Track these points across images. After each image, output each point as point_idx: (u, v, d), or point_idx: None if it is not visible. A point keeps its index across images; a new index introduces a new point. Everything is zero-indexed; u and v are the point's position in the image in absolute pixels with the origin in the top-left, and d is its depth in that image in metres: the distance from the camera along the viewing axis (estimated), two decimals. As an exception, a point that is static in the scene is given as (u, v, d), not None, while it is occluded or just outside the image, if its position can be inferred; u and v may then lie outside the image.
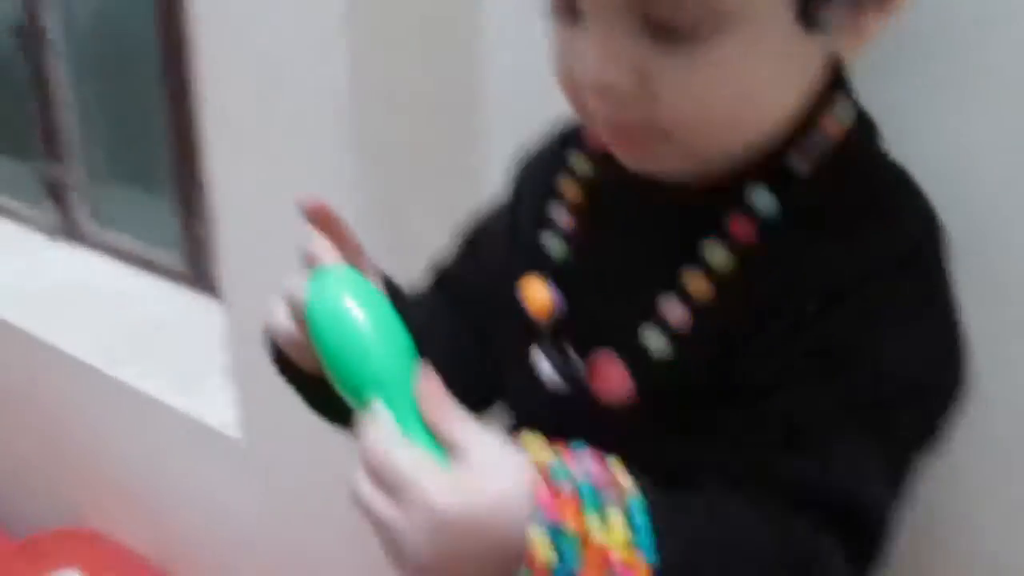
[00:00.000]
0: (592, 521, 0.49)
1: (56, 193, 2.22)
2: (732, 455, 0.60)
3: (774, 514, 0.55)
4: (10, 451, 2.18)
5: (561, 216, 0.73)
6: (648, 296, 0.65)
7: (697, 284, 0.62)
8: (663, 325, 0.63)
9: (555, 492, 0.49)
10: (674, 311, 0.63)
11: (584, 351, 0.68)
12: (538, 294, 0.71)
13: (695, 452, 0.64)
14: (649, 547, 0.49)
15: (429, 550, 0.49)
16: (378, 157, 1.20)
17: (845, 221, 0.60)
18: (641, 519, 0.50)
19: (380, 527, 0.51)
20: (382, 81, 1.15)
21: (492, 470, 0.50)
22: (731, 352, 0.61)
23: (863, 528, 0.57)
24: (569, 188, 0.73)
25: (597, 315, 0.69)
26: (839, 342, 0.58)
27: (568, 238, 0.72)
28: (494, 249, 0.82)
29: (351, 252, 0.65)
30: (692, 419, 0.63)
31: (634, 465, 0.55)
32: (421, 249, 0.91)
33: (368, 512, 0.52)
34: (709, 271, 0.62)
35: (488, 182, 0.85)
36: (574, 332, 0.70)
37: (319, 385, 0.71)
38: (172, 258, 2.04)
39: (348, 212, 0.67)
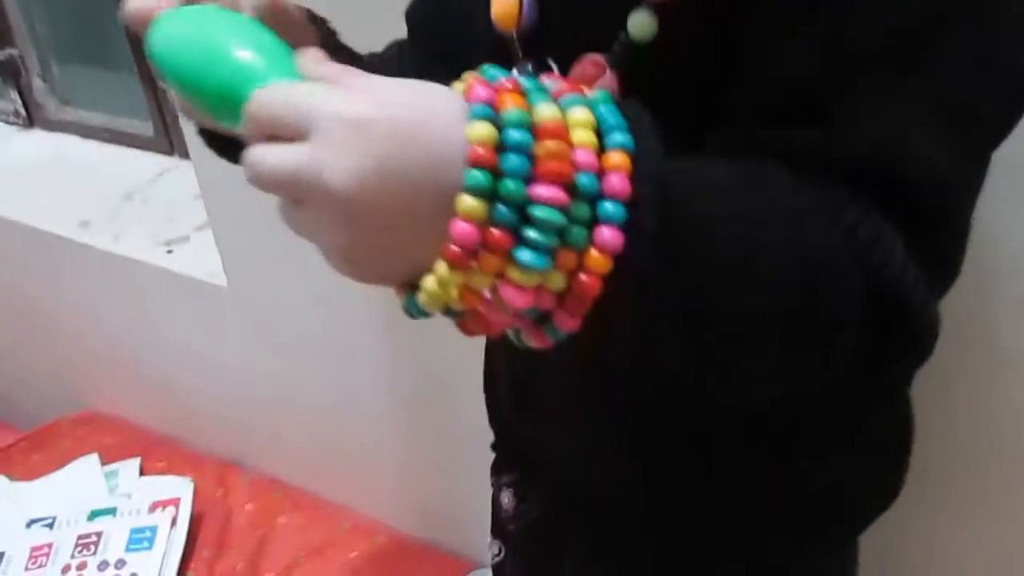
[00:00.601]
0: (542, 106, 0.39)
1: (14, 78, 2.11)
2: (735, 145, 0.50)
3: (809, 183, 0.44)
4: (4, 346, 2.13)
5: None
6: None
7: None
8: (647, 3, 0.53)
9: (489, 84, 0.39)
10: None
11: (565, 60, 0.58)
12: (503, 2, 0.61)
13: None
14: (626, 136, 0.38)
15: (351, 173, 0.37)
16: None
17: None
18: (614, 117, 0.39)
19: (290, 182, 0.39)
20: None
21: (406, 85, 0.40)
22: (723, 12, 0.50)
23: (923, 209, 0.45)
24: None
25: (573, 15, 0.59)
26: None
27: None
28: None
29: None
30: (687, 116, 0.52)
31: None
32: None
33: (272, 174, 0.40)
34: None
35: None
36: (551, 42, 0.60)
37: None
38: (142, 126, 1.95)
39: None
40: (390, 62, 0.77)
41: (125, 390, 1.93)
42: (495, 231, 0.37)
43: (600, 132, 0.39)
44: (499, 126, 0.38)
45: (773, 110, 0.48)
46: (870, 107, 0.45)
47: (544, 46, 0.60)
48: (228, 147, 0.64)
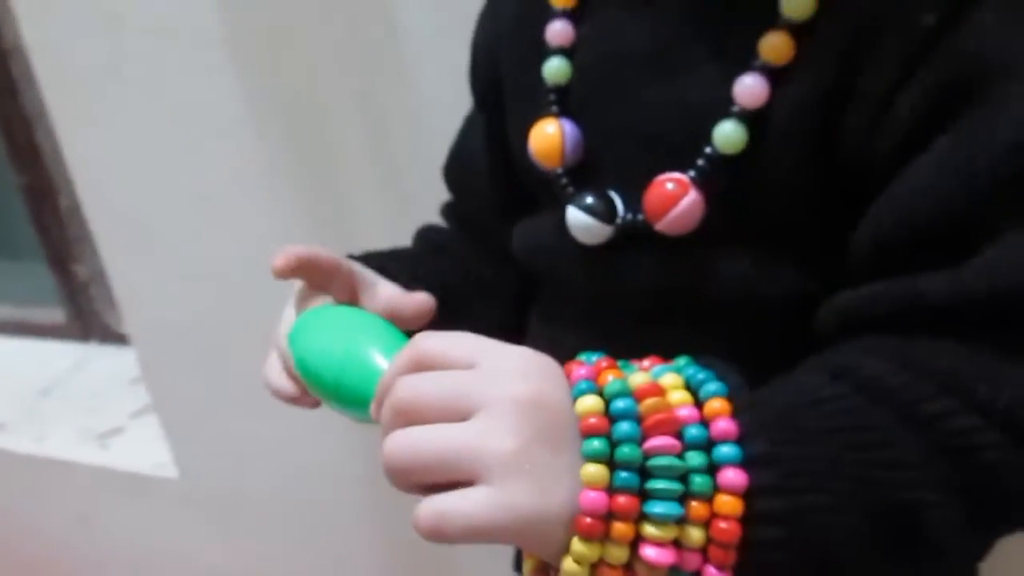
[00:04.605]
0: (636, 375, 0.42)
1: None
2: (835, 280, 0.49)
3: (925, 349, 0.44)
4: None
5: (553, 31, 0.58)
6: (692, 86, 0.52)
7: (773, 42, 0.48)
8: (727, 111, 0.49)
9: (586, 364, 0.43)
10: (743, 86, 0.49)
11: (628, 188, 0.55)
12: (541, 136, 0.57)
13: (783, 286, 0.52)
14: (718, 384, 0.41)
15: (520, 430, 0.39)
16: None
17: None
18: (700, 372, 0.42)
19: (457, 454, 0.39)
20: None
21: (526, 360, 0.43)
22: (825, 124, 0.48)
23: None
24: None
25: (630, 135, 0.55)
26: (975, 66, 0.43)
27: (566, 51, 0.58)
28: (484, 154, 0.70)
29: (327, 276, 0.58)
30: (777, 238, 0.51)
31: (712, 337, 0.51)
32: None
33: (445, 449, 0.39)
34: (785, 22, 0.48)
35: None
36: (608, 169, 0.56)
37: None
38: (51, 314, 1.81)
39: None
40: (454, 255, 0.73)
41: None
42: (621, 497, 0.38)
43: (691, 388, 0.41)
44: (603, 397, 0.40)
45: (895, 247, 0.46)
46: (995, 248, 0.43)
47: (591, 177, 0.56)
48: None
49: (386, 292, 0.59)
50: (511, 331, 0.68)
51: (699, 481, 0.38)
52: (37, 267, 1.75)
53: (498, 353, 0.42)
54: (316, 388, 0.53)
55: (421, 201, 0.78)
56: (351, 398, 0.49)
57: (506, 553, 0.78)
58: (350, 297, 0.59)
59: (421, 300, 0.59)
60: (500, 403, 0.39)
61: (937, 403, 0.41)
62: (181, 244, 1.19)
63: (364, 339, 0.51)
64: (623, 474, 0.38)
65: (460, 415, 0.39)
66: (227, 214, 1.12)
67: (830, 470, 0.40)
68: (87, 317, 1.77)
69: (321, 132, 1.01)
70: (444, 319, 0.62)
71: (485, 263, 0.71)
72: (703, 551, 0.38)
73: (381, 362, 0.48)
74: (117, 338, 1.74)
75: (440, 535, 0.38)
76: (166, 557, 1.54)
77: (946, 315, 0.43)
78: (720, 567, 0.38)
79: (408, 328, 0.55)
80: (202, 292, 1.21)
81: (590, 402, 0.39)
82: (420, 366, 0.42)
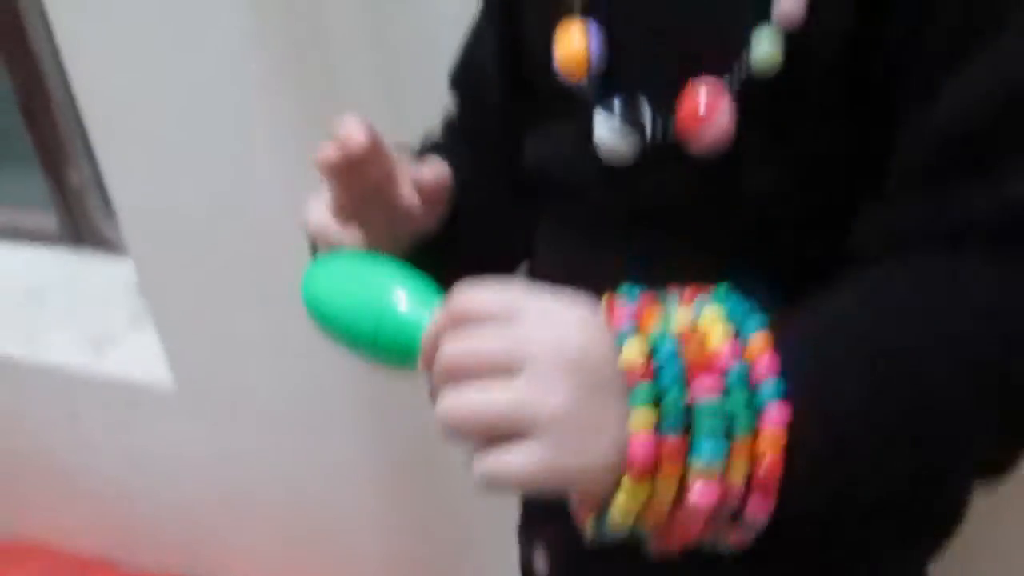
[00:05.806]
0: (679, 314, 0.43)
1: None
2: (870, 202, 0.48)
3: (957, 265, 0.43)
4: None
5: None
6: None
7: None
8: (763, 20, 0.47)
9: (626, 304, 0.44)
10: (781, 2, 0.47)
11: (655, 95, 0.52)
12: (567, 43, 0.54)
13: (812, 206, 0.50)
14: (754, 320, 0.41)
15: (566, 386, 0.40)
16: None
17: None
18: (740, 304, 0.43)
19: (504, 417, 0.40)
20: None
21: (566, 311, 0.43)
22: (861, 43, 0.46)
23: None
24: None
25: (661, 46, 0.53)
26: None
27: None
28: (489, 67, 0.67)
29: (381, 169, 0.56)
30: (808, 156, 0.49)
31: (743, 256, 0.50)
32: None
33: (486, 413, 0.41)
34: None
35: None
36: (634, 76, 0.54)
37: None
38: (45, 220, 1.78)
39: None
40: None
41: (55, 511, 1.73)
42: (670, 438, 0.39)
43: (731, 320, 0.42)
44: (647, 343, 0.41)
45: (922, 167, 0.45)
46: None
47: (617, 84, 0.54)
48: None
49: (410, 167, 0.58)
50: (506, 251, 0.69)
51: (744, 417, 0.39)
52: (31, 171, 1.72)
53: (539, 306, 0.42)
54: (346, 342, 0.53)
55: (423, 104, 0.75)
56: (392, 354, 0.50)
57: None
58: (386, 179, 0.57)
59: (439, 171, 0.58)
60: (545, 360, 0.40)
61: (981, 341, 0.41)
62: (179, 150, 1.16)
63: (393, 291, 0.51)
64: (671, 418, 0.39)
65: (507, 371, 0.40)
66: (227, 116, 1.10)
67: (871, 399, 0.40)
68: (80, 223, 1.74)
69: (321, 23, 0.98)
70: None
71: (484, 180, 0.69)
72: (747, 482, 0.40)
73: (420, 315, 0.48)
74: (111, 245, 1.71)
75: (495, 488, 0.41)
76: (160, 463, 1.54)
77: (998, 233, 0.43)
78: (765, 496, 0.40)
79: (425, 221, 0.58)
80: (200, 200, 1.19)
81: (635, 351, 0.40)
82: (462, 322, 0.43)
